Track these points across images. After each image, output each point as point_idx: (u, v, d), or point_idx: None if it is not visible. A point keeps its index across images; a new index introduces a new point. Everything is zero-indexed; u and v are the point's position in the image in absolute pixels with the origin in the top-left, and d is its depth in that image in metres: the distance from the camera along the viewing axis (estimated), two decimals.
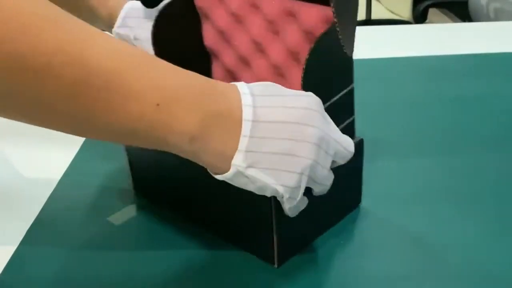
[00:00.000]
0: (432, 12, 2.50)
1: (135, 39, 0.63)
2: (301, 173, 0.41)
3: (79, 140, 0.71)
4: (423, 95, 0.85)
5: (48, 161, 0.67)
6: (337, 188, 0.47)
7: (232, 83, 0.42)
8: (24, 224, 0.56)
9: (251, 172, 0.40)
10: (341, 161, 0.45)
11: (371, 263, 0.50)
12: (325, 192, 0.46)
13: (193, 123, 0.38)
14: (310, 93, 0.43)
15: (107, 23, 0.65)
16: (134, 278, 0.48)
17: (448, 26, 1.31)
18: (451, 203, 0.58)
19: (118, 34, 0.64)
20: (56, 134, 0.78)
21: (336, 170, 0.46)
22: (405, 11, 2.45)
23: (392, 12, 2.60)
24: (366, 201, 0.58)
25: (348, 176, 0.52)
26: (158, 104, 0.37)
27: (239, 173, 0.40)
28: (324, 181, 0.44)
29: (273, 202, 0.45)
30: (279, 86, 0.43)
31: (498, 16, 1.68)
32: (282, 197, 0.42)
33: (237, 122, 0.39)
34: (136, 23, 0.63)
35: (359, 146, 0.52)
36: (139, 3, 0.63)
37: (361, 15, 2.43)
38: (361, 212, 0.57)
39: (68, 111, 0.36)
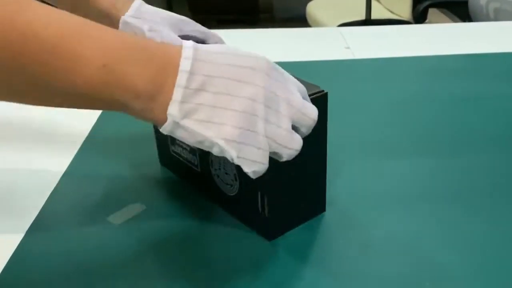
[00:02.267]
0: (432, 12, 2.51)
1: (150, 30, 0.61)
2: (241, 128, 0.41)
3: (79, 140, 0.71)
4: (422, 95, 0.85)
5: (48, 161, 0.67)
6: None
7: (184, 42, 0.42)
8: (24, 224, 0.56)
9: (187, 123, 0.40)
10: (304, 130, 0.45)
11: (370, 263, 0.50)
12: (292, 156, 0.45)
13: (140, 80, 0.39)
14: (263, 56, 0.43)
15: (106, 11, 0.64)
16: (134, 278, 0.48)
17: (448, 26, 1.32)
18: (451, 203, 0.58)
19: (126, 23, 0.62)
20: (56, 134, 0.78)
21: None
22: (405, 11, 2.45)
23: (392, 12, 2.60)
24: (365, 200, 0.58)
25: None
26: (104, 65, 0.38)
27: (175, 124, 0.40)
28: (286, 143, 0.43)
29: (268, 180, 0.48)
30: (237, 48, 0.44)
31: (498, 16, 1.68)
32: (232, 159, 0.42)
33: (174, 73, 0.40)
34: (151, 16, 0.63)
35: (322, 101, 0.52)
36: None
37: (361, 15, 2.44)
38: (359, 210, 0.57)
39: (10, 78, 0.38)
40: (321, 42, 1.14)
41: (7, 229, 0.55)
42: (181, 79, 0.40)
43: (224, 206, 0.57)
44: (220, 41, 0.67)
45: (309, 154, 0.52)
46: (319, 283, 0.48)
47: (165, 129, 0.41)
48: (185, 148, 0.59)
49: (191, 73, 0.40)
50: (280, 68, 0.45)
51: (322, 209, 0.57)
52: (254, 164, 0.42)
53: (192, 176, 0.60)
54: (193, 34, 0.65)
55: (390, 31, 1.21)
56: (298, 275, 0.49)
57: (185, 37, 0.63)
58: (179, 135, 0.41)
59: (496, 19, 1.69)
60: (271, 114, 0.42)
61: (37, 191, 0.61)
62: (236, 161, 0.42)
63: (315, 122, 0.45)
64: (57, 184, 0.62)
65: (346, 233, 0.54)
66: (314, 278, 0.48)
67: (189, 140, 0.42)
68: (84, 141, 0.71)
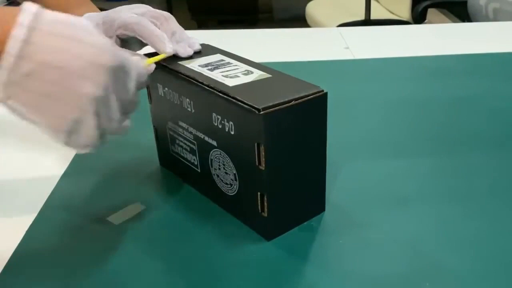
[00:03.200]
0: (431, 12, 2.51)
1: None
2: (71, 120, 0.41)
3: None
4: (422, 95, 0.85)
5: (48, 161, 0.67)
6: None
7: (26, 6, 0.39)
8: (24, 224, 0.56)
9: (13, 105, 0.40)
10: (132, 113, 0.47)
11: (370, 263, 0.50)
12: (119, 132, 0.47)
13: None
14: (106, 43, 0.42)
15: None
16: (134, 278, 0.48)
17: (447, 26, 1.32)
18: (451, 203, 0.58)
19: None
20: None
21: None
22: (404, 11, 2.45)
23: (391, 12, 2.60)
24: (365, 200, 0.58)
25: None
26: None
27: (2, 103, 0.40)
28: (116, 132, 0.46)
29: (267, 180, 0.49)
30: (90, 29, 0.41)
31: (497, 16, 1.68)
32: (64, 144, 0.43)
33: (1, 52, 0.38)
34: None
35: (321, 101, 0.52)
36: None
37: (360, 15, 2.44)
38: (359, 210, 0.57)
39: None
40: (320, 42, 1.14)
41: (7, 229, 0.55)
42: (8, 61, 0.38)
43: (224, 206, 0.57)
44: (167, 21, 0.60)
45: (309, 155, 0.52)
46: (319, 283, 0.48)
47: None
48: (185, 148, 0.59)
49: (20, 57, 0.38)
50: (122, 58, 0.43)
51: (322, 208, 0.57)
52: (84, 148, 0.44)
53: (192, 176, 0.60)
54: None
55: (389, 31, 1.21)
56: (298, 275, 0.49)
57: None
58: (13, 113, 0.41)
59: (495, 19, 1.69)
60: (103, 108, 0.43)
61: (37, 191, 0.61)
62: (65, 145, 0.43)
63: (137, 105, 0.47)
64: (57, 184, 0.62)
65: (346, 233, 0.54)
66: (314, 278, 0.48)
67: (22, 118, 0.41)
68: None
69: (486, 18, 1.74)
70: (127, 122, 0.48)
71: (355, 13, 2.49)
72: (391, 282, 0.48)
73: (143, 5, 0.59)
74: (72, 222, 0.56)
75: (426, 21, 2.26)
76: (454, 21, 2.58)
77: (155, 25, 0.57)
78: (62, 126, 0.41)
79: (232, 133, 0.50)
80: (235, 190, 0.54)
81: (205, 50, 0.60)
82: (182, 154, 0.60)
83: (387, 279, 0.48)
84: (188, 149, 0.58)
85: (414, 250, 0.51)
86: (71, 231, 0.55)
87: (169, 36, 0.57)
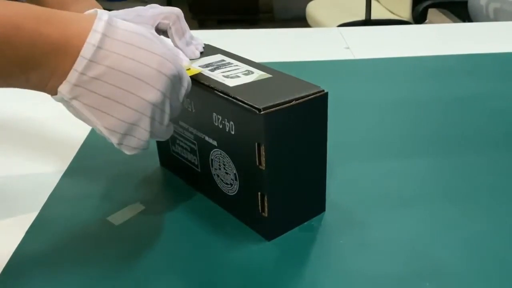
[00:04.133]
0: (432, 12, 2.51)
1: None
2: (127, 122, 0.43)
3: (79, 140, 0.71)
4: (422, 95, 0.85)
5: (48, 161, 0.67)
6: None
7: (96, 12, 0.43)
8: (24, 224, 0.56)
9: (75, 103, 0.42)
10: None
11: (369, 263, 0.50)
12: (165, 137, 0.49)
13: (31, 52, 0.39)
14: (167, 52, 0.44)
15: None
16: (134, 278, 0.48)
17: (448, 27, 1.32)
18: (451, 203, 0.58)
19: None
20: (57, 134, 0.78)
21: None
22: (405, 11, 2.46)
23: (392, 12, 2.60)
24: (365, 200, 0.58)
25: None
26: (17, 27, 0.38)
27: (64, 101, 0.42)
28: (163, 136, 0.49)
29: (268, 180, 0.50)
30: (153, 37, 0.44)
31: (498, 16, 1.68)
32: (115, 144, 0.45)
33: (74, 55, 0.40)
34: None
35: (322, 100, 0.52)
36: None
37: (361, 15, 2.44)
38: (359, 210, 0.57)
39: None
40: (321, 42, 1.14)
41: (7, 229, 0.55)
42: (79, 64, 0.40)
43: (224, 206, 0.57)
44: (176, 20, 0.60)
45: (309, 155, 0.52)
46: (319, 283, 0.48)
47: (54, 99, 0.43)
48: (185, 148, 0.59)
49: (92, 61, 0.41)
50: (179, 67, 0.46)
51: (322, 209, 0.57)
52: (134, 150, 0.46)
53: (192, 176, 0.60)
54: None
55: (390, 32, 1.21)
56: (298, 275, 0.49)
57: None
58: (69, 110, 0.44)
59: (496, 19, 1.69)
60: (158, 113, 0.45)
61: (37, 191, 0.61)
62: (116, 147, 0.45)
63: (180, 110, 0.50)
64: (57, 184, 0.62)
65: (346, 233, 0.54)
66: (314, 278, 0.48)
67: (74, 115, 0.44)
68: (84, 141, 0.71)
69: (486, 18, 1.74)
70: (171, 126, 0.50)
71: (356, 13, 2.49)
72: (391, 282, 0.48)
73: (156, 5, 0.59)
74: (72, 222, 0.56)
75: (426, 21, 2.26)
76: (454, 21, 2.58)
77: (166, 25, 0.57)
78: (119, 128, 0.43)
79: (233, 133, 0.50)
80: (235, 190, 0.54)
81: (206, 50, 0.60)
82: (182, 154, 0.60)
83: (387, 279, 0.48)
84: (189, 149, 0.59)
85: (414, 250, 0.51)
86: (71, 231, 0.55)
87: (180, 36, 0.57)
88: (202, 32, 1.22)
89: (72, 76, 0.41)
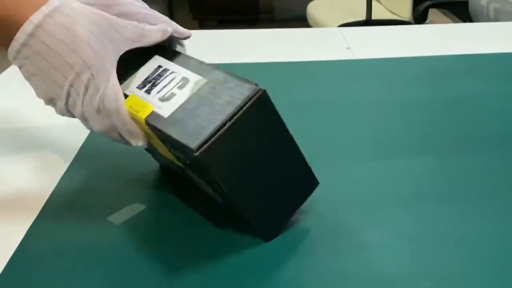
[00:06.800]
0: (432, 13, 2.51)
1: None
2: (49, 96, 0.52)
3: (79, 140, 0.71)
4: (422, 95, 0.85)
5: (48, 161, 0.67)
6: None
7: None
8: (24, 224, 0.56)
9: (23, 73, 0.52)
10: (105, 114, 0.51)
11: (369, 263, 0.50)
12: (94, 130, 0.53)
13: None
14: (96, 58, 0.50)
15: None
16: (134, 278, 0.48)
17: (448, 26, 1.32)
18: (450, 203, 0.58)
19: None
20: (57, 134, 0.78)
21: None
22: (405, 12, 2.46)
23: (392, 13, 2.61)
24: (365, 199, 0.58)
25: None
26: None
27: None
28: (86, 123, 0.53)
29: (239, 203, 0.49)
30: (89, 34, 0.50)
31: (498, 16, 1.68)
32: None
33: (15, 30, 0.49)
34: None
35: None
36: None
37: (361, 15, 2.44)
38: (358, 210, 0.57)
39: None
40: (321, 42, 1.14)
41: (7, 229, 0.55)
42: (13, 47, 0.49)
43: (216, 210, 0.56)
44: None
45: (274, 154, 0.50)
46: (318, 283, 0.48)
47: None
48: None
49: (23, 44, 0.49)
50: (97, 68, 0.50)
51: (315, 184, 0.54)
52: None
53: (187, 182, 0.60)
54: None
55: (390, 32, 1.21)
56: (296, 276, 0.49)
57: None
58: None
59: (496, 19, 1.69)
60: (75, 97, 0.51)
61: (37, 191, 0.61)
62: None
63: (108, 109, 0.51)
64: (57, 184, 0.62)
65: (346, 233, 0.54)
66: (314, 278, 0.48)
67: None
68: (84, 141, 0.71)
69: (487, 19, 1.74)
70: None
71: (356, 13, 2.49)
72: (391, 282, 0.48)
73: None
74: (72, 222, 0.56)
75: (427, 21, 2.26)
76: (455, 21, 2.58)
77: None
78: (43, 97, 0.53)
79: (188, 163, 0.50)
80: (220, 200, 0.54)
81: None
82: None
83: (387, 279, 0.48)
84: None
85: (414, 250, 0.51)
86: (71, 231, 0.55)
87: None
88: (203, 32, 1.22)
89: (15, 46, 0.49)
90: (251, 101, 0.46)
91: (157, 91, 0.51)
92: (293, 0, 3.75)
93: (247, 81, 0.47)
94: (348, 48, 1.09)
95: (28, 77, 0.51)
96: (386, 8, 2.67)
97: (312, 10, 2.79)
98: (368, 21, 2.41)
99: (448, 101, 0.83)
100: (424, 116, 0.78)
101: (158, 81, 0.52)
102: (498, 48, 1.05)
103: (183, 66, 0.53)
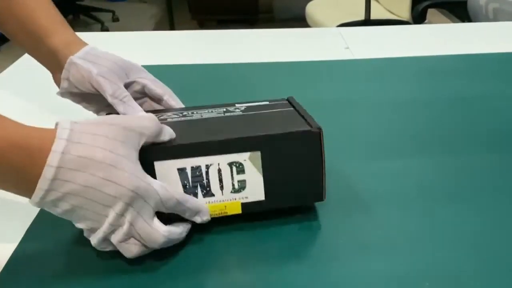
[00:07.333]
0: (431, 13, 2.51)
1: (99, 75, 0.60)
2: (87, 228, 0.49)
3: None
4: (421, 95, 0.85)
5: None
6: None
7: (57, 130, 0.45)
8: (24, 224, 0.56)
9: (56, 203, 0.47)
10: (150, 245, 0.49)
11: (369, 263, 0.50)
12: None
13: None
14: (130, 182, 0.46)
15: (56, 48, 0.63)
16: (134, 278, 0.49)
17: (447, 26, 1.32)
18: (451, 203, 0.58)
19: (73, 63, 0.61)
20: None
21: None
22: (404, 12, 2.46)
23: (391, 13, 2.61)
24: (365, 199, 0.58)
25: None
26: None
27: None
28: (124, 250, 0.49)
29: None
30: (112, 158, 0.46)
31: (497, 16, 1.68)
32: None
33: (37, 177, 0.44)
34: (100, 61, 0.61)
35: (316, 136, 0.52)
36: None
37: (360, 15, 2.44)
38: (358, 210, 0.57)
39: None
40: (320, 42, 1.14)
41: (7, 229, 0.55)
42: (37, 195, 0.45)
43: None
44: (168, 93, 0.65)
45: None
46: (318, 283, 0.48)
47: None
48: None
49: (48, 190, 0.45)
50: (144, 189, 0.47)
51: (320, 199, 0.56)
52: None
53: None
54: (142, 81, 0.64)
55: (389, 32, 1.21)
56: (297, 275, 0.49)
57: (131, 84, 0.64)
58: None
59: (495, 19, 1.69)
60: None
61: None
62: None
63: (158, 245, 0.49)
64: None
65: (346, 233, 0.54)
66: (313, 278, 0.48)
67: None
68: None
69: (486, 18, 1.74)
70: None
71: (355, 13, 2.49)
72: (391, 282, 0.48)
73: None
74: (72, 222, 0.56)
75: (426, 21, 2.26)
76: (454, 21, 2.58)
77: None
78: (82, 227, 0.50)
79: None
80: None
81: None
82: None
83: (387, 279, 0.48)
84: None
85: (413, 250, 0.51)
86: (71, 231, 0.55)
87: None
88: (202, 32, 1.22)
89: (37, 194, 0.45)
90: (307, 133, 0.52)
91: (217, 188, 0.52)
92: (292, 0, 3.75)
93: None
94: (347, 48, 1.09)
95: (63, 214, 0.48)
96: (385, 8, 2.68)
97: (311, 10, 2.79)
98: (367, 21, 2.41)
99: (446, 100, 0.83)
100: (423, 115, 0.78)
101: (204, 181, 0.51)
102: (497, 48, 1.05)
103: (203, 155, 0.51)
